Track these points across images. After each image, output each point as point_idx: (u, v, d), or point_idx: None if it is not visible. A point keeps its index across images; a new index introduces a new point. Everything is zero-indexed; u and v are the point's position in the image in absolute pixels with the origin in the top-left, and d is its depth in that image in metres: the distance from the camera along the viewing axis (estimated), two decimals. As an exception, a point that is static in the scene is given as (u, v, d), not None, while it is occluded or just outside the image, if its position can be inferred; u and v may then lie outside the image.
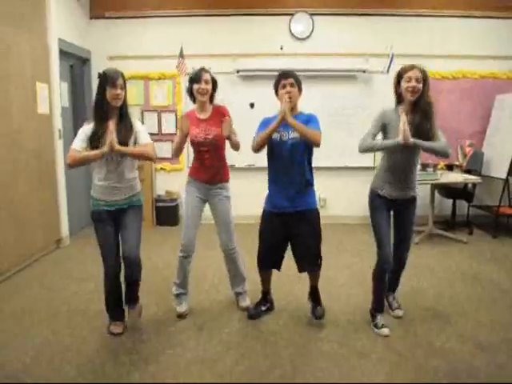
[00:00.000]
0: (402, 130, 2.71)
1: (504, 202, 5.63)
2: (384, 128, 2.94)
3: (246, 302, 3.41)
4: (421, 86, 2.79)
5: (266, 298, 3.37)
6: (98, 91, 2.79)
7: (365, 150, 2.94)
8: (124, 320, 3.10)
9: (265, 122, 3.03)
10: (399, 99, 2.92)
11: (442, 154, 2.84)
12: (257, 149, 2.99)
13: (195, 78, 3.14)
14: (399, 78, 2.87)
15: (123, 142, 2.78)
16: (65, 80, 5.47)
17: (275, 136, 2.95)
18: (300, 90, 2.99)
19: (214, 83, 3.22)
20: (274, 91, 3.02)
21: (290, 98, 2.89)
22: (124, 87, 2.82)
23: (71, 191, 5.33)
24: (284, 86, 2.92)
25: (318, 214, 3.10)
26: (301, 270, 3.13)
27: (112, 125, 2.68)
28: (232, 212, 3.34)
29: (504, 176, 5.42)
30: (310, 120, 2.95)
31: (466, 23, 6.02)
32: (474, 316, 3.29)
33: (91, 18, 6.01)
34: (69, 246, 5.15)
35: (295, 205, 2.99)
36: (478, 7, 5.95)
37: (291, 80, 2.92)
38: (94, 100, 2.85)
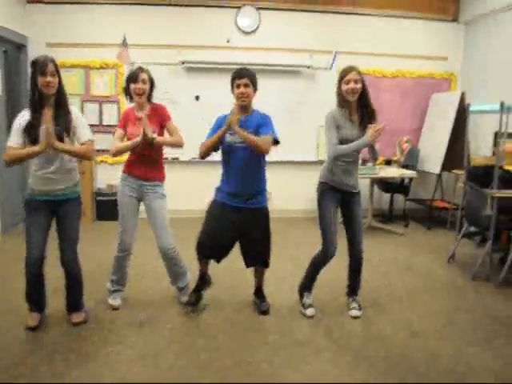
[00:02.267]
0: (372, 132, 2.87)
1: (437, 195, 5.96)
2: (337, 128, 3.01)
3: (187, 296, 3.38)
4: (359, 86, 2.92)
5: (203, 278, 3.28)
6: (30, 80, 2.71)
7: (339, 156, 3.00)
8: (42, 312, 3.02)
9: (219, 121, 3.02)
10: (342, 100, 3.00)
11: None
12: (202, 156, 3.02)
13: (132, 78, 3.08)
14: (340, 80, 2.97)
15: (60, 130, 2.71)
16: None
17: (229, 139, 2.96)
18: (255, 88, 3.00)
19: (152, 82, 3.18)
20: (230, 88, 3.02)
21: (243, 100, 2.93)
22: (56, 74, 2.71)
23: (4, 186, 5.06)
24: (238, 86, 2.93)
25: (268, 212, 3.16)
26: (248, 265, 3.17)
27: (48, 117, 2.59)
28: (167, 211, 3.27)
29: (438, 171, 5.73)
30: (263, 123, 2.98)
31: (406, 24, 6.28)
32: (409, 304, 3.46)
33: (28, 2, 5.70)
34: (0, 242, 4.90)
35: (248, 202, 3.03)
36: (417, 9, 6.22)
37: (245, 80, 2.92)
38: (30, 90, 2.75)
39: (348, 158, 3.02)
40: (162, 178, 3.26)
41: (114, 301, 3.29)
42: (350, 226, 3.16)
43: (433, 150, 5.92)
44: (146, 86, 3.10)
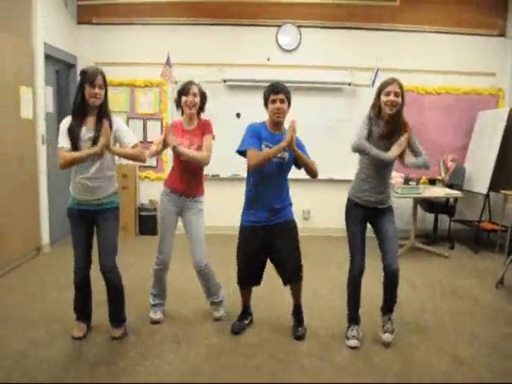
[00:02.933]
0: (400, 148, 2.81)
1: (485, 217, 5.72)
2: (368, 133, 2.94)
3: (220, 312, 3.40)
4: (399, 100, 2.85)
5: (246, 311, 3.34)
6: (77, 88, 2.79)
7: (358, 149, 2.90)
8: (88, 323, 3.09)
9: (253, 130, 2.98)
10: (378, 111, 2.94)
11: (424, 168, 2.97)
12: (258, 166, 2.89)
13: (183, 91, 3.15)
14: (379, 92, 2.91)
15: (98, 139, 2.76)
16: (50, 85, 5.42)
17: (264, 150, 2.94)
18: (289, 104, 2.99)
19: (203, 96, 3.23)
20: (263, 101, 3.01)
21: (279, 116, 2.92)
22: (104, 87, 2.80)
23: (53, 198, 5.25)
24: (274, 102, 2.91)
25: (296, 224, 3.12)
26: (286, 282, 3.12)
27: (107, 124, 2.68)
28: (204, 227, 3.30)
29: (485, 191, 5.51)
30: (298, 144, 2.95)
31: (450, 39, 6.13)
32: (454, 330, 3.31)
33: (78, 23, 5.98)
34: (49, 253, 5.06)
35: (274, 217, 3.01)
36: (460, 24, 6.09)
37: (281, 96, 2.90)
38: (74, 98, 2.84)
39: (375, 175, 2.95)
40: (201, 193, 3.30)
41: (155, 314, 3.32)
42: (380, 241, 3.06)
43: (480, 169, 5.72)
44: (197, 99, 3.16)
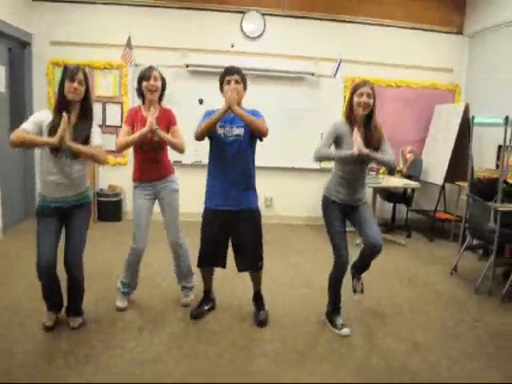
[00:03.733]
0: (357, 141, 2.76)
1: (440, 207, 5.93)
2: (337, 140, 2.97)
3: (189, 297, 3.40)
4: (371, 101, 2.88)
5: (208, 296, 3.33)
6: (59, 85, 2.76)
7: (320, 158, 2.96)
8: (58, 313, 3.01)
9: (208, 113, 2.98)
10: (350, 113, 2.96)
11: (390, 166, 3.00)
12: (200, 136, 2.93)
13: (144, 76, 3.10)
14: (352, 93, 2.94)
15: (78, 139, 2.73)
16: (2, 63, 5.14)
17: (219, 132, 2.95)
18: (245, 87, 3.00)
19: (163, 82, 3.20)
20: (219, 86, 3.02)
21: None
22: (84, 84, 2.77)
23: (6, 182, 5.02)
24: (229, 82, 2.93)
25: (260, 214, 3.12)
26: (240, 269, 3.13)
27: (66, 117, 2.59)
28: (179, 205, 3.31)
29: (441, 182, 5.70)
30: (254, 113, 2.96)
31: (411, 34, 6.27)
32: (411, 316, 3.42)
33: (34, 0, 5.68)
34: (2, 240, 4.84)
35: (237, 203, 3.00)
36: (421, 20, 6.23)
37: (236, 76, 2.93)
38: (57, 94, 2.79)
39: (350, 175, 2.98)
40: (171, 172, 3.28)
41: (122, 302, 3.28)
42: (360, 226, 3.05)
43: (436, 161, 5.91)
44: (158, 83, 3.13)
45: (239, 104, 2.97)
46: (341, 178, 3.02)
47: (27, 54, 5.64)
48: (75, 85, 2.70)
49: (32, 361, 2.56)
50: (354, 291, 3.26)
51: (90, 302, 3.24)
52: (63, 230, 2.92)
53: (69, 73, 2.70)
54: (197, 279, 3.45)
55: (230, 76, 2.93)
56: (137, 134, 3.00)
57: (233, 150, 2.94)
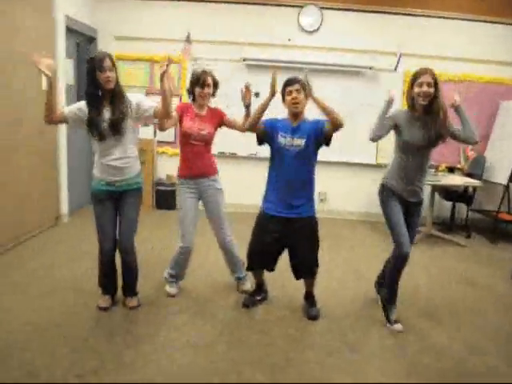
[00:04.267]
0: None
1: (504, 207, 5.64)
2: (396, 128, 2.93)
3: (247, 285, 3.47)
4: (432, 90, 2.78)
5: (260, 288, 3.37)
6: (88, 77, 2.81)
7: (373, 136, 2.98)
8: (113, 296, 3.15)
9: (272, 119, 3.03)
10: (412, 103, 2.89)
11: (469, 136, 2.94)
12: (250, 127, 2.98)
13: (197, 82, 3.14)
14: (412, 82, 2.86)
15: (116, 122, 2.81)
16: (71, 57, 5.41)
17: (280, 141, 2.95)
18: (306, 97, 2.94)
19: (215, 85, 3.25)
20: (281, 98, 3.00)
21: (296, 107, 2.91)
22: (113, 68, 2.81)
23: (72, 169, 5.30)
24: (290, 93, 2.91)
25: (317, 222, 3.08)
26: (297, 277, 3.14)
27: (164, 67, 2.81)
28: (224, 205, 3.34)
29: (505, 182, 5.43)
30: (317, 121, 2.96)
31: (475, 27, 5.98)
32: (467, 318, 3.29)
33: (99, -3, 5.94)
34: (68, 223, 5.14)
35: (295, 211, 2.98)
36: (486, 12, 5.92)
37: (297, 86, 2.89)
38: (86, 86, 2.86)
39: (411, 162, 2.90)
40: (214, 171, 3.32)
41: (171, 289, 3.37)
42: None
43: (500, 160, 5.62)
44: (211, 90, 3.20)
45: (302, 112, 2.98)
46: (399, 169, 2.95)
47: (93, 49, 5.89)
48: (107, 73, 2.75)
49: (95, 338, 2.70)
50: (388, 321, 3.06)
51: (146, 287, 3.38)
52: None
53: (97, 63, 2.73)
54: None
55: (291, 86, 2.90)
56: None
57: (293, 160, 2.93)
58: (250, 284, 3.47)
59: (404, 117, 2.91)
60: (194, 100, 3.26)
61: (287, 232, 3.00)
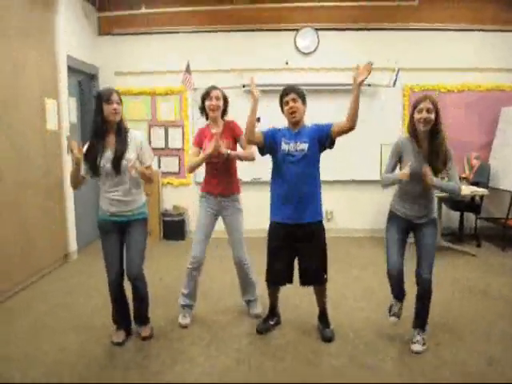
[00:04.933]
0: (426, 171, 2.78)
1: (512, 214, 5.60)
2: (400, 157, 2.97)
3: (258, 309, 3.48)
4: (432, 116, 2.80)
5: (273, 312, 3.36)
6: (95, 111, 2.90)
7: (387, 185, 3.03)
8: (127, 330, 3.16)
9: (273, 128, 3.10)
10: (415, 132, 2.92)
11: (454, 194, 2.96)
12: (248, 137, 2.99)
13: (206, 96, 3.28)
14: (413, 110, 2.89)
15: (120, 155, 2.89)
16: (73, 96, 5.53)
17: (284, 147, 2.99)
18: (304, 102, 3.02)
19: (225, 100, 3.36)
20: (280, 109, 3.07)
21: (294, 116, 2.97)
22: (120, 102, 2.92)
23: (80, 205, 5.35)
24: (287, 103, 2.97)
25: (323, 227, 3.11)
26: (303, 283, 3.12)
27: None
28: (243, 225, 3.41)
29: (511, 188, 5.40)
30: (318, 125, 3.03)
31: (470, 36, 6.04)
32: (485, 330, 3.25)
33: (99, 35, 6.10)
34: (76, 260, 5.16)
35: (302, 216, 3.00)
36: (481, 21, 5.99)
37: (293, 95, 2.95)
38: (92, 120, 2.94)
39: (413, 191, 2.92)
40: (237, 191, 3.40)
41: (184, 319, 3.37)
42: (417, 252, 3.04)
43: (506, 166, 5.61)
44: (220, 102, 3.29)
45: (301, 120, 3.03)
46: (404, 193, 2.99)
47: (94, 86, 6.02)
48: (114, 106, 2.86)
49: (108, 374, 2.70)
50: (413, 343, 2.99)
51: (158, 320, 3.38)
52: None
53: (105, 96, 2.85)
54: (260, 289, 3.49)
55: (287, 96, 2.96)
56: (201, 156, 3.19)
57: (299, 165, 2.96)
58: (261, 308, 3.48)
59: (408, 145, 2.94)
60: (206, 117, 3.37)
61: (294, 238, 3.02)
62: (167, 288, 4.06)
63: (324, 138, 2.98)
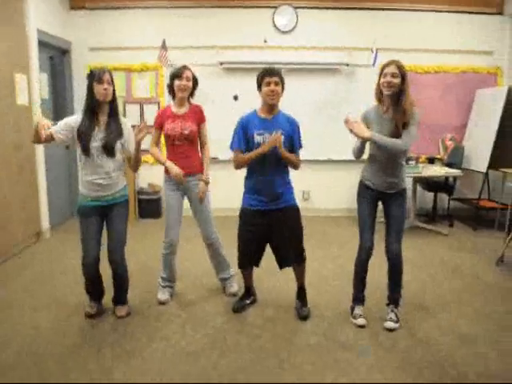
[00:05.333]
0: (355, 125, 2.82)
1: (484, 195, 5.74)
2: (367, 124, 2.95)
3: (234, 287, 3.48)
4: (397, 80, 2.80)
5: (249, 291, 3.37)
6: (87, 89, 2.88)
7: (355, 154, 3.04)
8: (100, 303, 3.18)
9: (242, 125, 3.02)
10: (379, 94, 2.92)
11: (395, 149, 2.83)
12: (239, 168, 3.06)
13: (177, 75, 3.19)
14: (380, 74, 2.89)
15: (113, 138, 2.89)
16: (44, 71, 5.35)
17: (257, 139, 2.96)
18: (283, 89, 2.98)
19: (195, 81, 3.28)
20: (256, 85, 3.01)
21: (273, 99, 2.92)
22: (111, 83, 2.89)
23: (52, 184, 5.24)
24: (268, 84, 2.91)
25: (298, 209, 3.11)
26: (282, 265, 3.16)
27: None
28: (211, 202, 3.38)
29: (484, 170, 5.51)
30: (294, 130, 3.01)
31: (447, 18, 6.07)
32: (456, 308, 3.34)
33: (71, 9, 5.88)
34: (49, 238, 5.07)
35: (276, 203, 3.01)
36: (459, 2, 6.01)
37: (276, 78, 2.90)
38: (85, 98, 2.93)
39: (381, 155, 2.91)
40: (199, 170, 3.34)
41: (163, 295, 3.37)
42: (386, 224, 3.06)
43: (479, 148, 5.71)
44: (190, 83, 3.22)
45: (277, 105, 2.99)
46: (373, 161, 2.99)
47: (67, 61, 5.84)
48: (105, 86, 2.82)
49: (82, 352, 2.67)
50: (386, 321, 3.03)
51: (133, 297, 3.36)
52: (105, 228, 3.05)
53: (96, 76, 2.82)
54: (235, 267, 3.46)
55: (270, 78, 2.89)
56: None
57: (272, 156, 2.92)
58: (237, 286, 3.49)
59: (373, 112, 2.95)
60: (173, 97, 3.29)
61: (269, 224, 3.03)
62: (144, 267, 4.04)
63: (289, 146, 3.02)
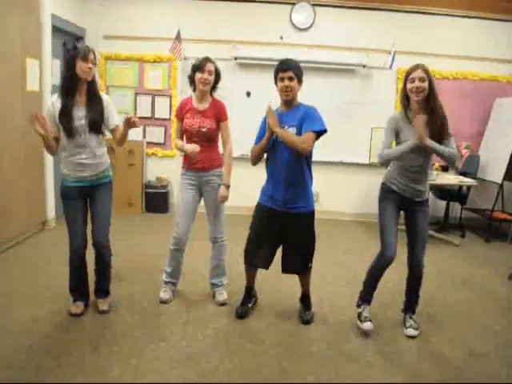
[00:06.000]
0: (418, 127, 2.62)
1: (497, 206, 5.60)
2: (397, 134, 2.85)
3: (223, 295, 3.33)
4: (425, 85, 2.71)
5: (250, 293, 3.26)
6: (67, 66, 2.72)
7: (384, 162, 2.88)
8: (86, 301, 3.07)
9: (264, 123, 2.92)
10: (407, 102, 2.82)
11: (449, 161, 2.78)
12: (254, 163, 2.98)
13: (198, 67, 3.05)
14: (405, 80, 2.79)
15: (96, 118, 2.78)
16: (57, 57, 5.28)
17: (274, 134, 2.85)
18: (300, 81, 2.84)
19: (218, 75, 3.14)
20: (273, 81, 2.89)
21: (287, 94, 2.81)
22: (95, 64, 2.77)
23: (59, 172, 5.16)
24: (282, 80, 2.79)
25: (313, 218, 2.99)
26: (284, 271, 3.04)
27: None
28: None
29: (499, 181, 5.38)
30: (306, 116, 2.79)
31: (470, 24, 5.92)
32: (466, 321, 3.23)
33: (87, -5, 5.81)
34: (54, 228, 5.01)
35: (293, 205, 2.88)
36: (481, 8, 5.86)
37: (290, 73, 2.77)
38: (63, 75, 2.80)
39: (411, 166, 2.81)
40: (219, 165, 3.22)
41: (164, 294, 3.28)
42: (410, 236, 2.96)
43: (495, 158, 5.57)
44: (212, 77, 3.08)
45: (294, 100, 2.87)
46: (401, 169, 2.87)
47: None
48: (90, 65, 2.69)
49: (81, 351, 2.59)
50: (407, 328, 3.00)
51: (135, 293, 3.29)
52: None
53: (82, 53, 2.67)
54: (229, 279, 3.44)
55: (284, 73, 2.77)
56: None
57: (286, 150, 2.80)
58: (226, 295, 3.33)
59: (402, 120, 2.83)
60: (194, 90, 3.16)
61: (283, 225, 2.91)
62: (148, 263, 3.95)
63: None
